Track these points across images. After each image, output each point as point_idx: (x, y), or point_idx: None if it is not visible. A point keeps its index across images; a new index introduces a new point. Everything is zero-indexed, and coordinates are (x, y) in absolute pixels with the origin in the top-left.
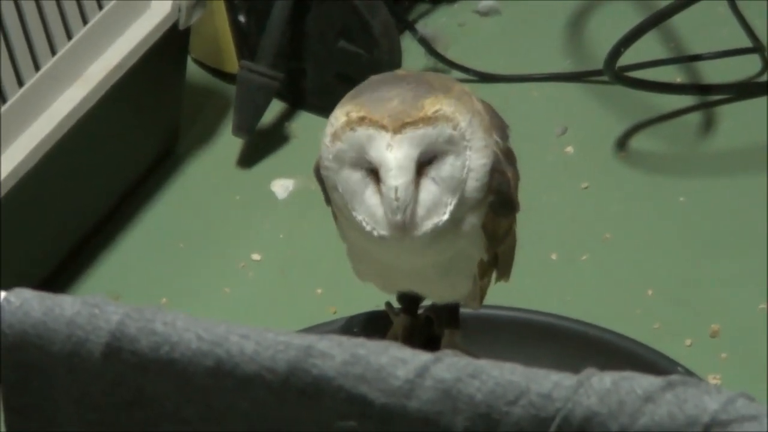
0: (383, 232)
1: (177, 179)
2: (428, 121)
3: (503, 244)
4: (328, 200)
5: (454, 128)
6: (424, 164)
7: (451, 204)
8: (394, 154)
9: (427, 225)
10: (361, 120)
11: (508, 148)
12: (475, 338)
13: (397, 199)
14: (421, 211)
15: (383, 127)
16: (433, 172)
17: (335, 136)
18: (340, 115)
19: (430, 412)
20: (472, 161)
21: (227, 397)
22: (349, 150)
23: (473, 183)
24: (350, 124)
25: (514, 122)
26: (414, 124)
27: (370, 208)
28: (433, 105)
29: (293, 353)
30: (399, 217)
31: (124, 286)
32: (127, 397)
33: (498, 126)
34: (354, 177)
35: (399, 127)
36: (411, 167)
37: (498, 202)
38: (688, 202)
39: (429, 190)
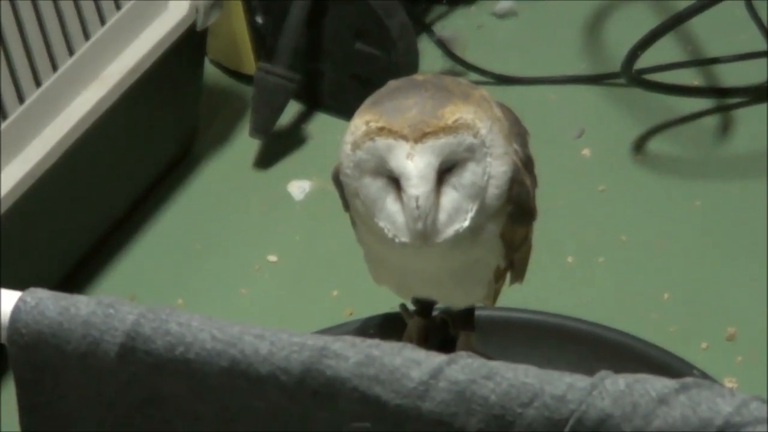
0: (404, 239)
1: (194, 180)
2: (448, 130)
3: (519, 251)
4: (347, 206)
5: (475, 136)
6: (444, 171)
7: (472, 210)
8: (415, 164)
9: (449, 232)
10: (381, 130)
11: (528, 156)
12: (491, 340)
13: (418, 208)
14: (442, 217)
15: (403, 137)
16: (453, 179)
17: (355, 145)
18: (360, 124)
19: (444, 413)
20: (493, 168)
21: (241, 397)
22: (370, 159)
23: (493, 190)
24: (370, 134)
25: (531, 125)
26: (434, 133)
27: (392, 215)
28: (453, 113)
29: (307, 354)
30: (420, 225)
31: (140, 286)
32: (142, 396)
33: (517, 133)
34: (375, 185)
35: (419, 137)
36: (431, 176)
37: (517, 211)
38: (705, 205)
39: (450, 197)
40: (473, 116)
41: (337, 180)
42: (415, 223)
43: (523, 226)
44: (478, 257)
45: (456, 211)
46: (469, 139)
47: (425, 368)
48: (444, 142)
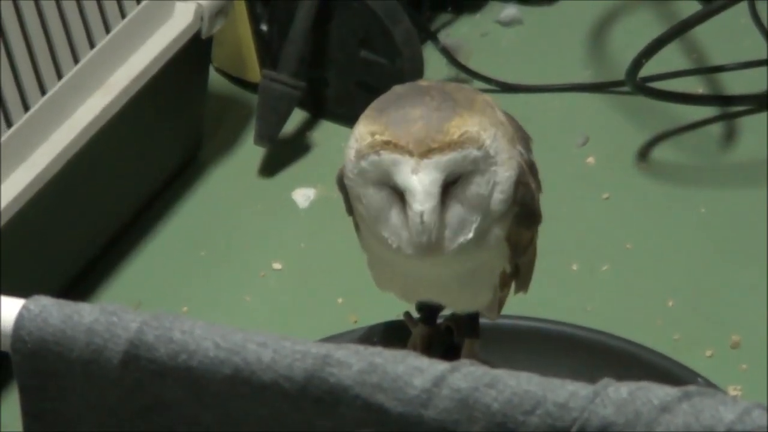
0: (409, 251)
1: (199, 188)
2: (454, 145)
3: (525, 256)
4: (350, 210)
5: (479, 148)
6: (449, 184)
7: (476, 222)
8: (420, 180)
9: (453, 245)
10: (386, 144)
11: (531, 161)
12: (495, 348)
13: (422, 224)
14: (446, 232)
15: (408, 152)
16: (458, 191)
17: (359, 155)
18: (365, 133)
19: (446, 421)
20: (498, 174)
21: (244, 405)
22: (374, 171)
23: (499, 196)
24: (375, 147)
25: (535, 132)
26: (440, 149)
27: (396, 227)
28: (458, 128)
29: (310, 362)
30: (425, 239)
31: (145, 294)
32: (145, 403)
33: (521, 137)
34: (379, 196)
35: (425, 153)
36: (436, 192)
37: (522, 213)
38: (710, 213)
39: (455, 211)
40: (478, 128)
41: (342, 183)
42: (420, 237)
43: (528, 229)
44: (483, 261)
45: (461, 226)
46: (474, 152)
47: (428, 376)
48: (449, 158)
